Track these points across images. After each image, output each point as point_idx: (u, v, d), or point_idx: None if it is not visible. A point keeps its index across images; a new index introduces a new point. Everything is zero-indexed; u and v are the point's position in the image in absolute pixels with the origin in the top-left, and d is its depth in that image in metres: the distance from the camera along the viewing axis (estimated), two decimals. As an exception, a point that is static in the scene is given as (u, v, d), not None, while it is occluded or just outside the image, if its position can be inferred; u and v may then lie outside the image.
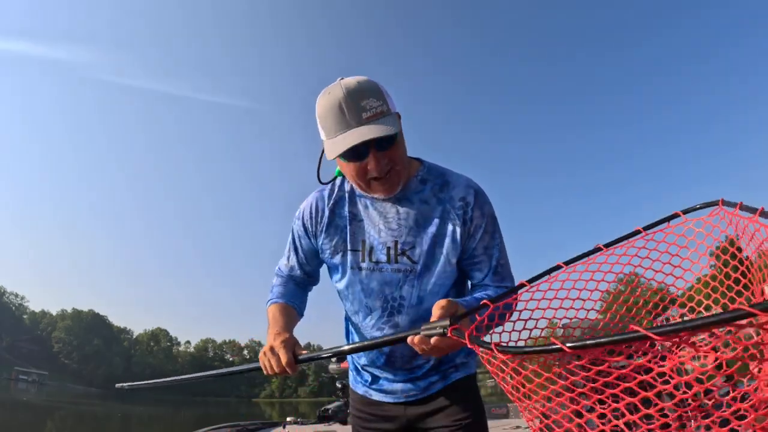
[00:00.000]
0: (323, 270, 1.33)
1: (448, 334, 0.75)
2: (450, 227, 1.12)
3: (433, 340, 0.82)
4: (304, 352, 1.04)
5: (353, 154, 1.01)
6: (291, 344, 1.05)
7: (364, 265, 1.16)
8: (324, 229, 1.19)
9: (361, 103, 0.98)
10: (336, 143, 1.00)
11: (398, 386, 1.24)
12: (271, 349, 1.04)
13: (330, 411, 5.62)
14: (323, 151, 1.13)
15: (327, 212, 1.18)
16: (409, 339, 0.86)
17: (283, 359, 1.01)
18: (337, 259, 1.19)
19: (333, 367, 5.72)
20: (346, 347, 0.98)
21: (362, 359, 1.29)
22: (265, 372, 1.05)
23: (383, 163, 1.03)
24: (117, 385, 1.51)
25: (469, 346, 0.64)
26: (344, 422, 5.24)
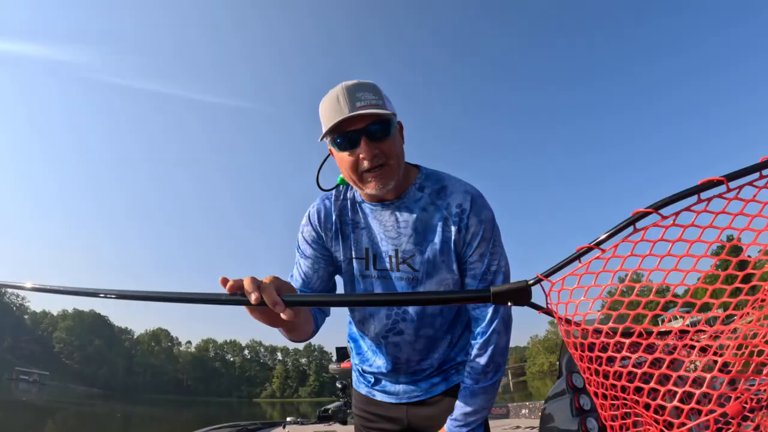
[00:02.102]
0: None
1: None
2: (447, 234, 1.11)
3: None
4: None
5: (344, 141, 1.02)
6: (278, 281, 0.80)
7: (368, 272, 1.16)
8: (333, 236, 1.18)
9: (357, 94, 0.99)
10: (326, 126, 1.01)
11: (401, 387, 1.25)
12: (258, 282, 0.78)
13: (330, 411, 5.62)
14: (325, 158, 1.14)
15: (334, 218, 1.18)
16: None
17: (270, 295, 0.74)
18: (344, 266, 1.19)
19: (333, 367, 5.73)
20: (335, 297, 0.92)
21: (365, 365, 1.29)
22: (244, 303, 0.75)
23: (375, 153, 1.02)
24: None
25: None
26: (344, 422, 5.25)
